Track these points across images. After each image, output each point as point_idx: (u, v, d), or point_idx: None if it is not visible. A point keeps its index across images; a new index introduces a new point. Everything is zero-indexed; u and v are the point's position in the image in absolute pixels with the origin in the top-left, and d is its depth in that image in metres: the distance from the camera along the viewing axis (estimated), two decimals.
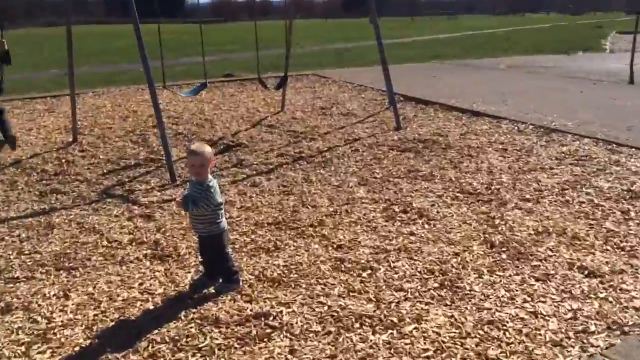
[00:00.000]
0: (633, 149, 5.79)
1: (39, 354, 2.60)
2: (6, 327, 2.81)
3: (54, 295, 3.09)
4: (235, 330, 2.73)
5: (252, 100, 9.70)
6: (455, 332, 2.66)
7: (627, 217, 4.05)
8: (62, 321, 2.84)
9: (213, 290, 3.10)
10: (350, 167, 5.56)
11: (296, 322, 2.77)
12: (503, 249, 3.55)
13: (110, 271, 3.43)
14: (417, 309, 2.87)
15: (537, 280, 3.14)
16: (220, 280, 3.15)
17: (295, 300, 2.98)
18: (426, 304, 2.92)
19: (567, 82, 10.99)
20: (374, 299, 2.98)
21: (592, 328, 2.67)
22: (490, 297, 2.97)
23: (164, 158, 5.53)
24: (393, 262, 3.41)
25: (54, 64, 14.79)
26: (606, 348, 2.52)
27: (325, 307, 2.90)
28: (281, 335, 2.67)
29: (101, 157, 6.21)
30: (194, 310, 2.90)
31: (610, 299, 2.92)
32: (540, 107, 8.15)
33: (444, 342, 2.59)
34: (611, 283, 3.09)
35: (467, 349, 2.54)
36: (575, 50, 18.31)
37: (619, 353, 2.48)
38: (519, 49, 19.37)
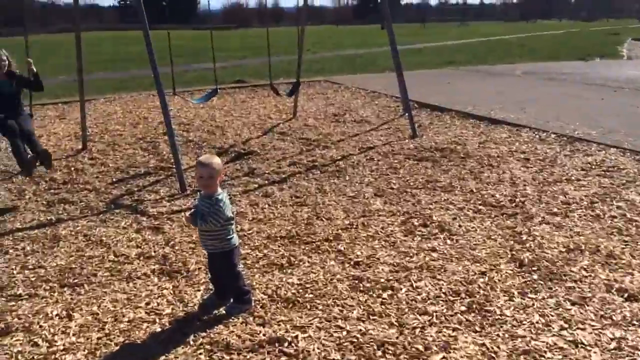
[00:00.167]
0: None
1: None
2: (5, 351, 2.63)
3: (56, 316, 2.91)
4: (248, 357, 2.53)
5: (264, 106, 9.55)
6: None
7: None
8: (64, 345, 2.66)
9: (223, 311, 2.91)
10: (365, 177, 5.36)
11: (313, 349, 2.56)
12: (533, 268, 3.32)
13: (117, 288, 3.25)
14: (444, 335, 2.65)
15: (573, 304, 2.91)
16: (231, 300, 2.96)
17: (311, 323, 2.77)
18: (454, 329, 2.70)
19: (586, 89, 10.71)
20: (396, 323, 2.77)
21: None
22: (524, 322, 2.74)
23: (174, 166, 5.37)
24: (415, 281, 3.20)
25: (65, 70, 14.78)
26: None
27: (344, 332, 2.69)
28: None
29: (110, 165, 6.07)
30: (203, 334, 2.71)
31: None
32: (561, 114, 7.89)
33: None
34: None
35: None
36: (592, 56, 17.98)
37: None
38: (534, 55, 19.07)
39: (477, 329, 2.71)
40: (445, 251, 3.62)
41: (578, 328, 2.69)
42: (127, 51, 24.16)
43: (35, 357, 2.58)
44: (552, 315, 2.80)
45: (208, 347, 2.60)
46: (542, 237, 3.79)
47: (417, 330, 2.69)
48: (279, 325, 2.77)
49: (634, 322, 2.72)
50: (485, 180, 5.12)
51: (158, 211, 4.58)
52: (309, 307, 2.95)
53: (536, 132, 6.88)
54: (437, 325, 2.74)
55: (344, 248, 3.71)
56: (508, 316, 2.81)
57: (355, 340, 2.62)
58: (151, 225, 4.26)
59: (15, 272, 3.49)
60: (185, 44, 27.97)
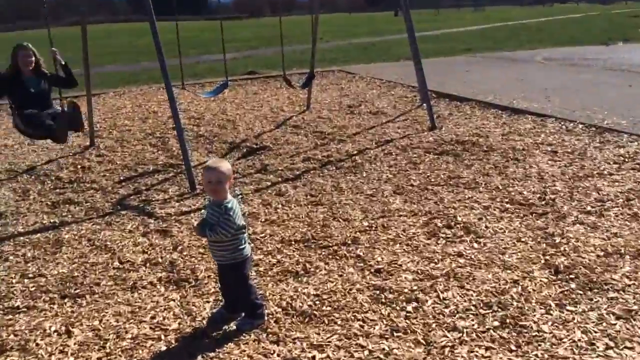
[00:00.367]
0: None
1: None
2: None
3: (55, 332, 2.71)
4: None
5: (276, 98, 9.29)
6: None
7: None
8: None
9: (234, 327, 2.68)
10: (383, 173, 5.09)
11: None
12: (570, 276, 3.03)
13: (120, 299, 3.04)
14: (476, 355, 2.39)
15: (617, 317, 2.63)
16: (243, 315, 2.73)
17: (329, 341, 2.53)
18: (487, 348, 2.44)
19: (612, 75, 10.24)
20: (422, 341, 2.51)
21: None
22: (564, 340, 2.47)
23: (184, 164, 5.15)
24: (441, 291, 2.93)
25: (76, 63, 14.64)
26: None
27: (366, 352, 2.45)
28: None
29: (118, 162, 5.87)
30: (212, 354, 2.48)
31: None
32: (587, 103, 7.50)
33: None
34: None
35: None
36: (615, 40, 17.34)
37: None
38: (554, 40, 18.47)
39: (513, 347, 2.44)
40: (472, 256, 3.35)
41: (625, 347, 2.41)
42: (139, 43, 24.00)
43: None
44: (596, 332, 2.53)
45: None
46: (577, 239, 3.49)
47: (447, 350, 2.44)
48: (295, 343, 2.54)
49: None
50: (511, 175, 4.81)
51: (166, 212, 4.37)
52: (326, 321, 2.71)
53: (562, 123, 6.52)
54: (468, 344, 2.48)
55: (363, 253, 3.45)
56: (546, 332, 2.54)
57: None
58: (159, 228, 4.05)
59: (14, 281, 3.31)
60: (196, 35, 27.74)
